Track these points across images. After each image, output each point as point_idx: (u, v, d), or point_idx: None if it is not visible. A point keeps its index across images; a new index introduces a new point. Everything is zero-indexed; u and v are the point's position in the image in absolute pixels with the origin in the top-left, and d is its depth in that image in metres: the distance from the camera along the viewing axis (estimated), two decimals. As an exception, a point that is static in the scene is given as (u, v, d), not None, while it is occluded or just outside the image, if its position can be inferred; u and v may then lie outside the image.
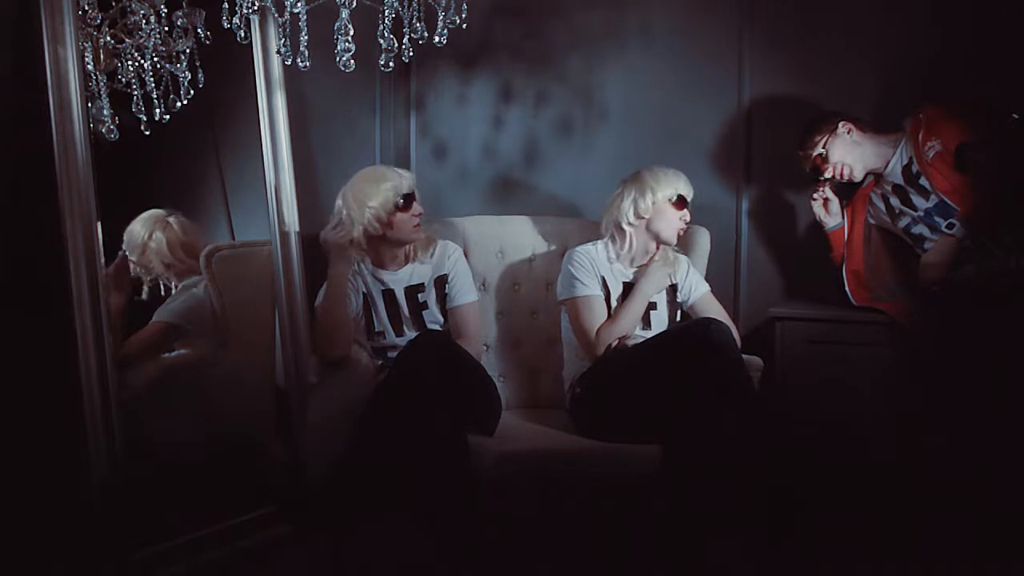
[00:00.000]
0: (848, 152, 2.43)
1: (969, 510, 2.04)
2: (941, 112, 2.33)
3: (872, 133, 2.45)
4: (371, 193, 2.25)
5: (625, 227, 2.37)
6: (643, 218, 2.35)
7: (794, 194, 2.70)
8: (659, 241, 2.38)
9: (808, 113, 2.53)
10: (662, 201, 2.34)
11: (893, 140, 2.42)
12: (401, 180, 2.27)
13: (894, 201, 2.42)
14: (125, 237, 2.18)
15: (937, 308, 2.31)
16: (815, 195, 2.52)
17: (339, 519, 2.03)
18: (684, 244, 2.48)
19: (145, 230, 2.19)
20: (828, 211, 2.53)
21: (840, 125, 2.42)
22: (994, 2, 2.46)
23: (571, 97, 2.86)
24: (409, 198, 2.27)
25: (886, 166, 2.43)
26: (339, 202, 2.29)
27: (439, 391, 1.96)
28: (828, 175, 2.46)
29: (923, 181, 2.34)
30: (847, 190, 2.56)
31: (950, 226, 2.27)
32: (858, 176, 2.46)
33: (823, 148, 2.43)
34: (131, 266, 2.17)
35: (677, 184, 2.35)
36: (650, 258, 2.39)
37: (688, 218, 2.37)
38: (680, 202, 2.35)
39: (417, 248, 2.37)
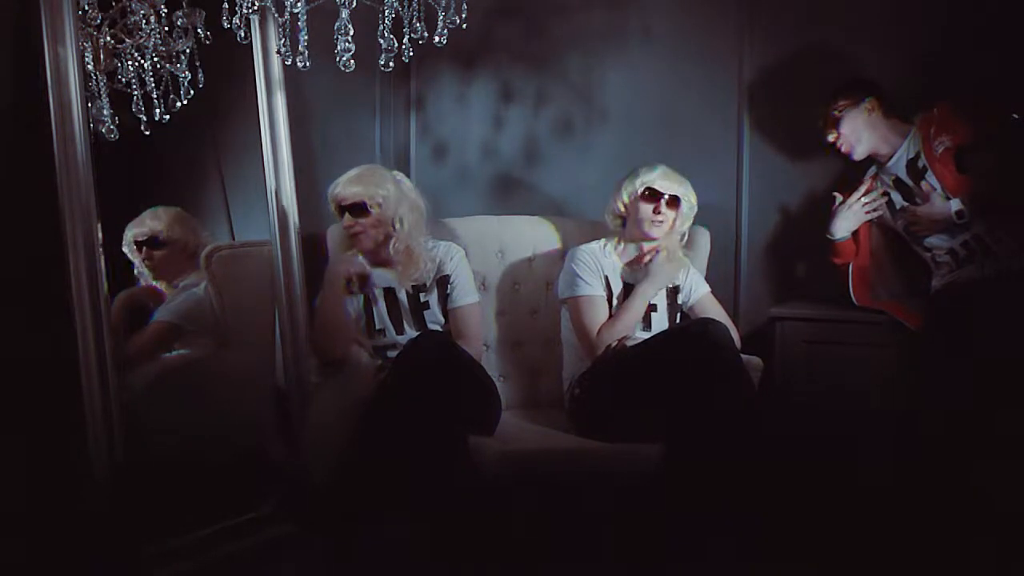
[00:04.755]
0: (858, 129, 2.39)
1: (969, 509, 2.04)
2: (954, 109, 2.33)
3: (894, 119, 2.41)
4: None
5: (610, 223, 2.40)
6: (622, 214, 2.37)
7: (794, 193, 2.70)
8: (645, 238, 2.36)
9: (806, 112, 2.53)
10: (633, 195, 2.34)
11: (904, 131, 2.41)
12: (336, 187, 2.28)
13: (895, 196, 2.41)
14: (162, 228, 2.18)
15: (938, 308, 2.31)
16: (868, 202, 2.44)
17: (339, 519, 2.03)
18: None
19: (180, 221, 2.20)
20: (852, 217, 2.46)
21: (865, 101, 2.38)
22: (995, 2, 2.45)
23: (571, 97, 2.86)
24: (342, 208, 2.27)
25: (890, 157, 2.41)
26: None
27: (439, 391, 1.96)
28: (831, 139, 2.43)
29: (929, 176, 2.33)
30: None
31: (960, 214, 2.25)
32: (858, 156, 2.42)
33: (839, 113, 2.40)
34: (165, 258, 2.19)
35: (649, 178, 2.32)
36: (650, 257, 2.38)
37: (662, 217, 2.31)
38: (649, 196, 2.32)
39: (396, 261, 2.31)
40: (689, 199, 2.36)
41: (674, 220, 2.35)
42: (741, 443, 1.95)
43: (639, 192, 2.33)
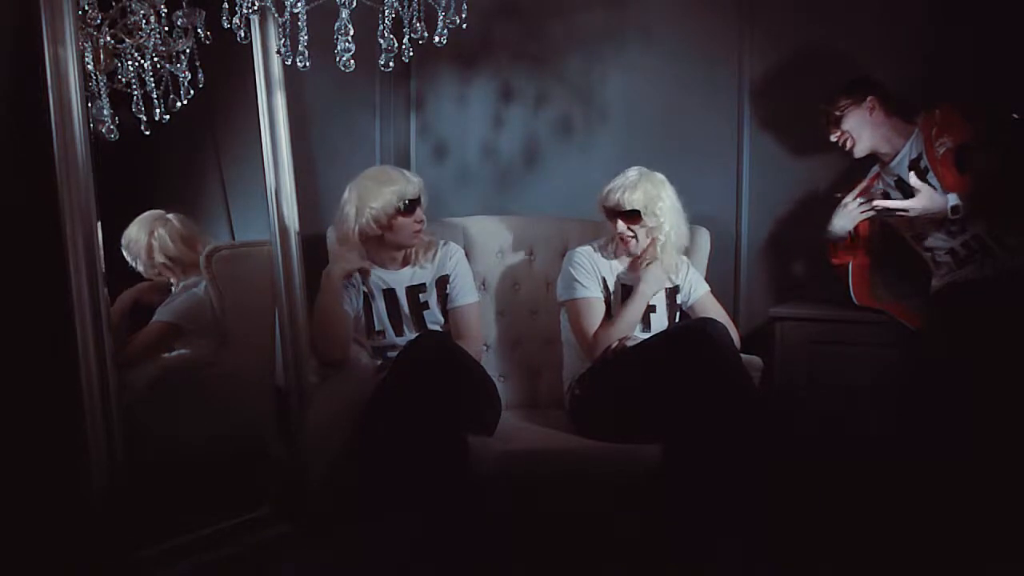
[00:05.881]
0: (859, 127, 2.39)
1: (969, 510, 2.04)
2: (955, 110, 2.33)
3: (896, 118, 2.41)
4: (375, 194, 2.25)
5: (608, 229, 2.38)
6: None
7: (794, 193, 2.69)
8: (628, 252, 2.35)
9: (807, 112, 2.52)
10: (601, 211, 2.34)
11: (907, 131, 2.41)
12: (407, 185, 2.26)
13: (896, 196, 2.41)
14: (124, 242, 2.18)
15: (938, 308, 2.31)
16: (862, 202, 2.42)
17: (339, 519, 2.03)
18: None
19: (144, 230, 2.19)
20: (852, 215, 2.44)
21: (867, 100, 2.38)
22: (996, 2, 2.45)
23: (571, 97, 2.86)
24: (413, 204, 2.27)
25: (893, 158, 2.41)
26: (344, 196, 2.30)
27: (439, 391, 1.96)
28: (834, 138, 2.43)
29: (930, 177, 2.33)
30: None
31: (955, 209, 2.25)
32: (858, 152, 2.42)
33: (840, 112, 2.40)
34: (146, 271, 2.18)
35: (603, 195, 2.31)
36: (647, 257, 2.36)
37: (629, 232, 2.29)
38: (610, 213, 2.30)
39: (418, 253, 2.36)
40: (651, 208, 2.27)
41: (654, 230, 2.30)
42: (741, 443, 1.95)
43: (603, 209, 2.33)
